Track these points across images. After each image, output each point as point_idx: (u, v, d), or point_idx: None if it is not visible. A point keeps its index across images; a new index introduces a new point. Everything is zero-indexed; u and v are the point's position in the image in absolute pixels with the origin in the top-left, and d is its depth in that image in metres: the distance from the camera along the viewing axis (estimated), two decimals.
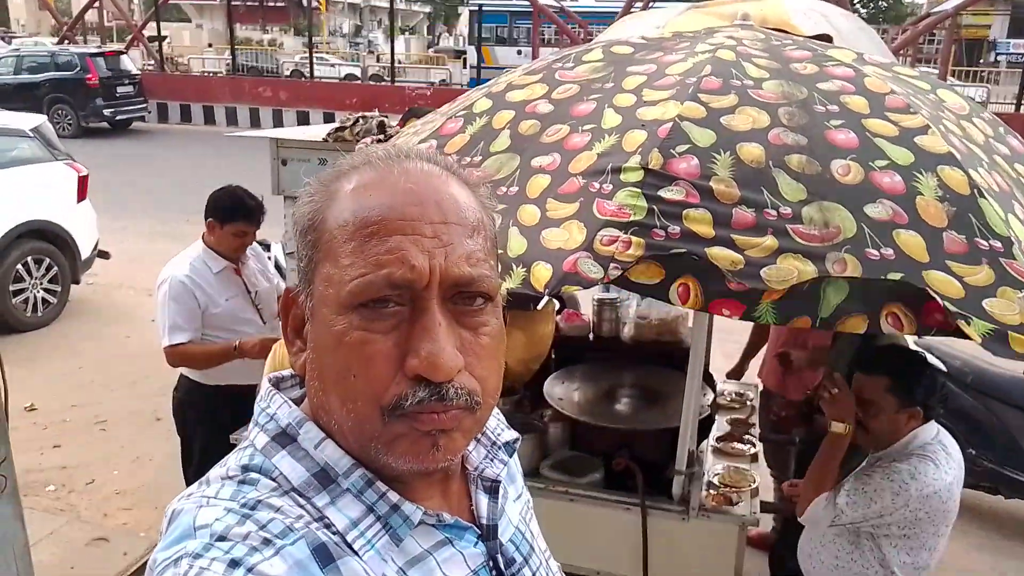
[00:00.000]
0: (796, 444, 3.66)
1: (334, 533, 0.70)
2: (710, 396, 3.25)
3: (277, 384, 0.81)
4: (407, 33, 49.02)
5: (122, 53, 19.59)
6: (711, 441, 3.37)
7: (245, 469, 0.72)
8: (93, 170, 7.85)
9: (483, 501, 0.84)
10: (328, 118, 15.51)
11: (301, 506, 0.70)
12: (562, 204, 1.81)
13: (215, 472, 0.74)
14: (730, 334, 6.66)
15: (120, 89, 18.20)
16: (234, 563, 0.63)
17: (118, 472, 4.69)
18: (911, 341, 4.32)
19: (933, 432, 2.36)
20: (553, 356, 3.64)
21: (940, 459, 2.27)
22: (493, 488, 0.85)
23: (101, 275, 8.13)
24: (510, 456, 0.91)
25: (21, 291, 6.79)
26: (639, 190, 1.76)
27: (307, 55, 22.27)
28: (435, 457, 0.72)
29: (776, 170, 1.82)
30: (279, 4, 40.41)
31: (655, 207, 1.75)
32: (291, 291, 0.78)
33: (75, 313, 7.34)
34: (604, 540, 2.91)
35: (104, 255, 7.72)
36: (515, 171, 1.95)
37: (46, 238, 6.97)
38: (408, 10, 54.24)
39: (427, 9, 55.53)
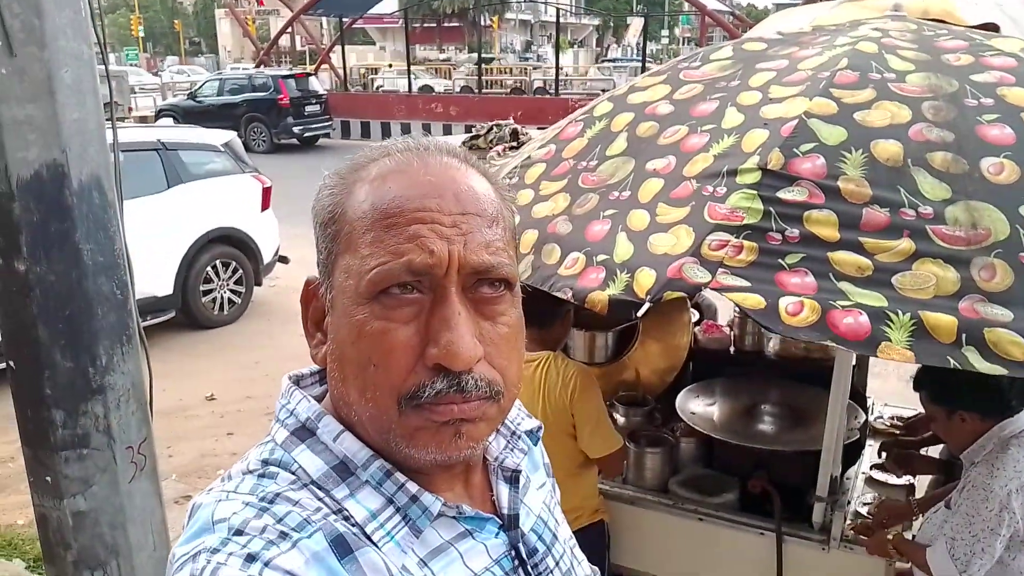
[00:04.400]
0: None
1: (353, 525, 0.70)
2: (861, 418, 3.00)
3: (297, 381, 0.82)
4: (575, 46, 49.46)
5: (311, 75, 21.16)
6: (864, 468, 3.11)
7: (265, 463, 0.73)
8: (281, 182, 8.51)
9: (504, 491, 0.84)
10: None
11: (320, 499, 0.70)
12: (672, 208, 1.73)
13: (237, 467, 0.75)
14: None
15: (308, 108, 19.65)
16: (251, 557, 0.63)
17: None
18: None
19: (1019, 427, 2.26)
20: (690, 369, 3.52)
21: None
22: (514, 478, 0.84)
23: (281, 278, 8.79)
24: (534, 444, 0.91)
25: (209, 291, 7.47)
26: (755, 192, 1.65)
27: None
28: (457, 445, 0.72)
29: (916, 168, 1.64)
30: (454, 25, 42.08)
31: (772, 209, 1.63)
32: (311, 283, 0.78)
33: (256, 313, 7.98)
34: (735, 565, 2.76)
35: (284, 260, 8.35)
36: (629, 175, 1.89)
37: (233, 243, 7.64)
38: (577, 23, 54.71)
39: (596, 22, 55.77)
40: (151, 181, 6.94)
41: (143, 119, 19.72)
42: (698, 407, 3.20)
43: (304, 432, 0.75)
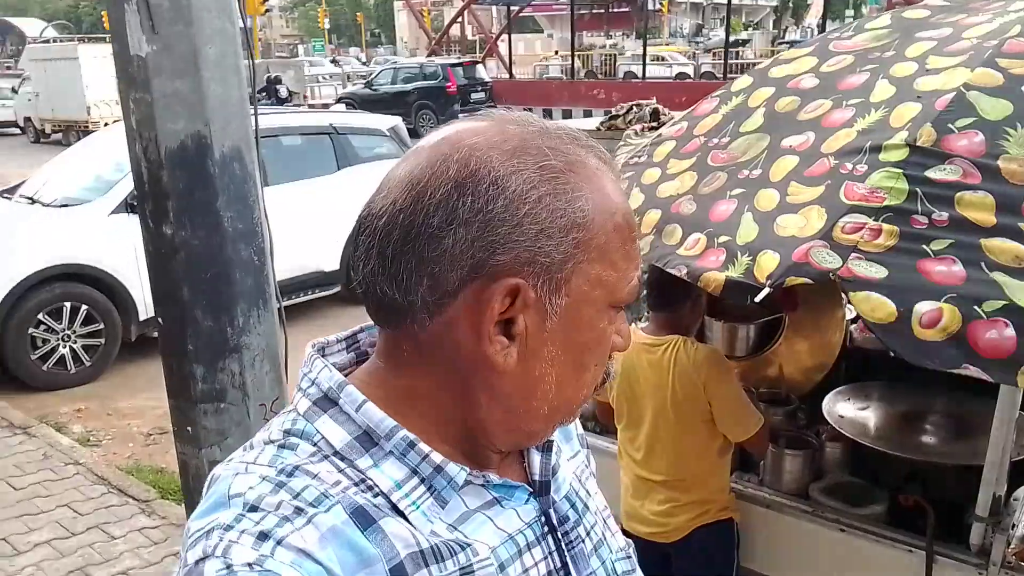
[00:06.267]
0: None
1: (376, 495, 0.69)
2: None
3: (322, 350, 0.81)
4: (750, 28, 47.38)
5: (477, 63, 21.71)
6: None
7: (287, 433, 0.72)
8: None
9: (536, 458, 0.83)
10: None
11: (342, 470, 0.69)
12: (805, 188, 1.60)
13: (259, 436, 0.74)
14: None
15: (474, 95, 20.18)
16: (263, 535, 0.63)
17: None
18: None
19: None
20: (843, 369, 3.28)
21: None
22: (546, 445, 0.83)
23: None
24: None
25: None
26: (899, 170, 1.49)
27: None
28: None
29: None
30: (622, 10, 41.56)
31: (918, 190, 1.46)
32: (519, 287, 0.70)
33: None
34: None
35: None
36: (761, 153, 1.77)
37: None
38: (754, 5, 52.41)
39: (774, 2, 53.16)
40: (323, 163, 7.38)
41: (325, 107, 21.03)
42: (848, 411, 2.99)
43: (326, 402, 0.73)
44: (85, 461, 4.46)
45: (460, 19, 27.85)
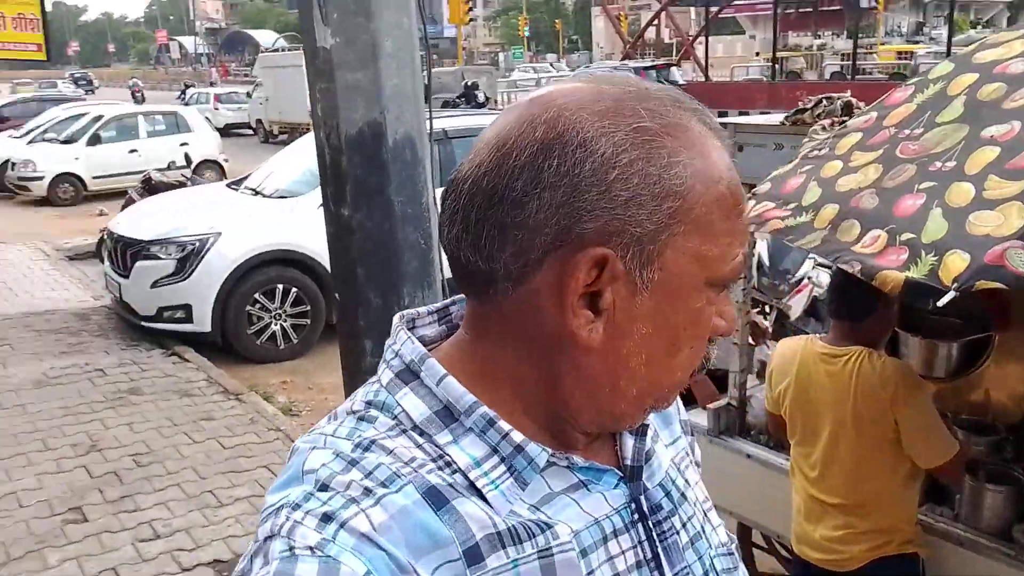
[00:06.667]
0: None
1: (454, 472, 0.67)
2: None
3: (412, 321, 0.78)
4: (979, 27, 42.88)
5: (671, 65, 21.45)
6: None
7: (369, 405, 0.71)
8: None
9: (628, 442, 0.77)
10: None
11: (419, 445, 0.68)
12: (1006, 182, 1.42)
13: (344, 405, 0.74)
14: None
15: None
16: (327, 517, 0.61)
17: None
18: None
19: None
20: None
21: None
22: (641, 429, 0.78)
23: None
24: None
25: None
26: None
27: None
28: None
29: None
30: (833, 8, 39.13)
31: None
32: (605, 258, 0.65)
33: None
34: None
35: None
36: (958, 144, 1.59)
37: None
38: (984, 1, 47.43)
39: None
40: None
41: None
42: None
43: (408, 374, 0.71)
44: (285, 428, 4.90)
45: (656, 22, 27.54)
